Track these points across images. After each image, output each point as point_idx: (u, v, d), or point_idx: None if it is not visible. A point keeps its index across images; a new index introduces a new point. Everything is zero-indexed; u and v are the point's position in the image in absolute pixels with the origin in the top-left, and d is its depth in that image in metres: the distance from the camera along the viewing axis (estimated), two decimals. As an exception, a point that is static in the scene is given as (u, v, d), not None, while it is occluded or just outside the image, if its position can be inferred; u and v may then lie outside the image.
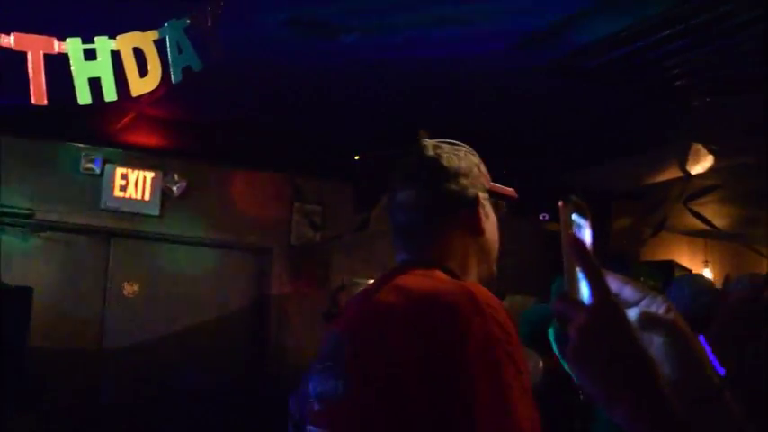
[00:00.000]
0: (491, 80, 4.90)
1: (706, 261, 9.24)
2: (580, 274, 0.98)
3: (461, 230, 1.89)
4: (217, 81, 4.69)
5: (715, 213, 7.87)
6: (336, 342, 1.79)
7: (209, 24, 3.46)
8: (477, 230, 1.90)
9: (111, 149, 6.32)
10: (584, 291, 0.97)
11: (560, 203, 1.04)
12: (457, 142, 1.99)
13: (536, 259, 7.89)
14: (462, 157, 1.94)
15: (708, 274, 9.15)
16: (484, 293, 1.62)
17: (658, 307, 1.07)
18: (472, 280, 1.85)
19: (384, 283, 1.78)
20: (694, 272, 8.68)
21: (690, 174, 6.73)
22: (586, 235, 1.03)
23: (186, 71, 3.37)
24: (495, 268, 1.99)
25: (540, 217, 8.00)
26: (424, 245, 1.88)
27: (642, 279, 7.38)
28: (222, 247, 6.88)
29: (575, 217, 1.02)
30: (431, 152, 1.93)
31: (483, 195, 1.92)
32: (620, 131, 5.89)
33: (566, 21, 4.00)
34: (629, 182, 7.24)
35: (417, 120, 5.48)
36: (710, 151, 6.18)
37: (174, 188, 6.52)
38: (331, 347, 1.80)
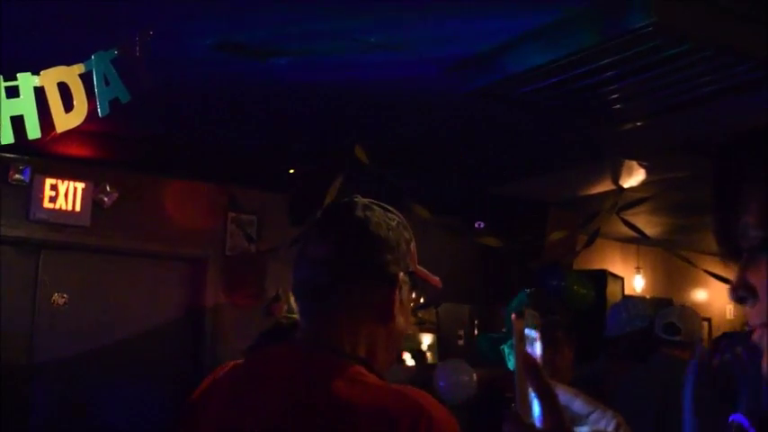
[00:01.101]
0: (427, 101, 4.92)
1: (638, 267, 9.41)
2: (532, 394, 0.99)
3: (372, 312, 1.66)
4: (148, 98, 4.64)
5: (646, 222, 8.05)
6: None
7: (137, 54, 3.41)
8: (389, 316, 1.67)
9: (40, 159, 6.18)
10: (536, 409, 0.98)
11: (513, 317, 1.05)
12: (391, 209, 1.77)
13: (469, 268, 7.95)
14: (393, 228, 1.70)
15: (639, 280, 9.33)
16: (434, 406, 1.49)
17: (608, 423, 1.13)
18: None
19: (299, 375, 1.57)
20: (626, 277, 8.86)
21: (622, 187, 6.87)
22: (537, 348, 1.04)
23: (114, 103, 3.32)
24: (396, 357, 1.80)
25: (476, 225, 8.08)
26: (331, 320, 1.65)
27: (575, 287, 7.49)
28: (155, 258, 6.79)
29: (527, 332, 1.03)
30: (359, 213, 1.69)
31: (403, 277, 1.70)
32: (556, 148, 5.97)
33: (496, 49, 4.03)
34: (565, 193, 7.34)
35: (353, 136, 5.51)
36: (642, 167, 6.30)
37: (106, 199, 6.40)
38: None
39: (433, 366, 6.89)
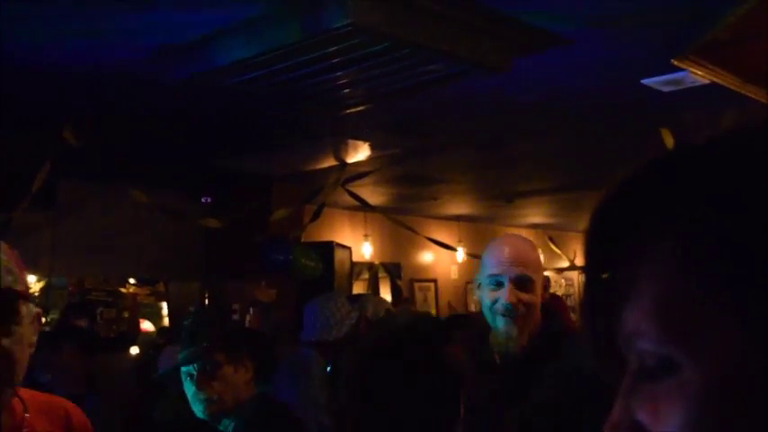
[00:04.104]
0: (135, 86, 4.76)
1: (366, 235, 9.66)
2: None
3: None
4: None
5: (371, 193, 8.28)
6: None
7: None
8: None
9: None
10: None
11: None
12: None
13: (195, 243, 7.84)
14: None
15: (368, 247, 9.60)
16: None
17: None
18: None
19: None
20: (355, 245, 9.08)
21: (345, 162, 7.00)
22: None
23: None
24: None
25: (203, 200, 7.97)
26: None
27: (302, 260, 7.57)
28: None
29: None
30: None
31: None
32: (273, 130, 5.97)
33: (201, 41, 3.95)
34: (288, 168, 7.37)
35: (63, 118, 5.23)
36: (362, 144, 6.45)
37: None
38: None
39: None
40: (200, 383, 2.68)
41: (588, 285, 0.67)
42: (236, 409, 2.68)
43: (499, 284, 2.55)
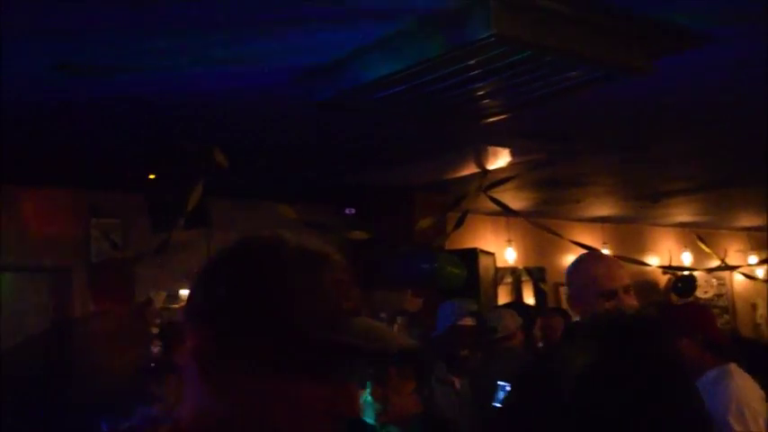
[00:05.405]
0: (278, 109, 4.91)
1: (509, 240, 9.60)
2: None
3: None
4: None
5: (513, 198, 8.22)
6: None
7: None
8: None
9: None
10: None
11: None
12: None
13: (341, 253, 7.97)
14: None
15: (511, 252, 9.54)
16: None
17: None
18: None
19: None
20: (498, 251, 9.05)
21: (486, 169, 6.99)
22: None
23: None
24: None
25: (347, 211, 8.10)
26: None
27: (448, 268, 7.59)
28: (16, 271, 6.55)
29: None
30: None
31: None
32: (416, 142, 6.04)
33: (343, 60, 4.04)
34: (430, 178, 7.43)
35: (210, 141, 5.44)
36: (503, 151, 6.44)
37: (-41, 213, 6.15)
38: None
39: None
40: (376, 393, 2.80)
41: None
42: (402, 420, 2.79)
43: (611, 295, 2.95)
